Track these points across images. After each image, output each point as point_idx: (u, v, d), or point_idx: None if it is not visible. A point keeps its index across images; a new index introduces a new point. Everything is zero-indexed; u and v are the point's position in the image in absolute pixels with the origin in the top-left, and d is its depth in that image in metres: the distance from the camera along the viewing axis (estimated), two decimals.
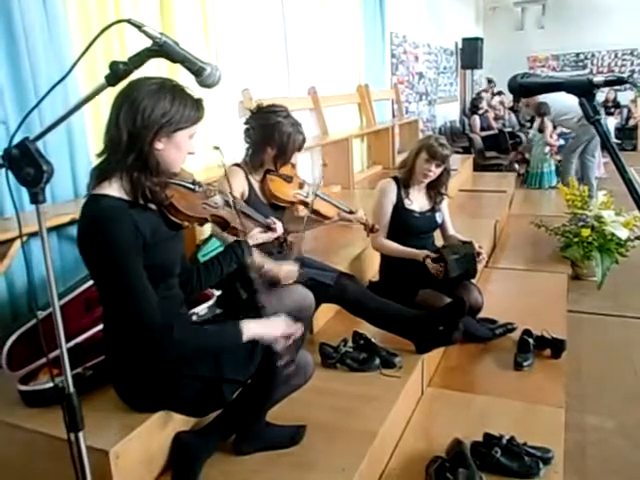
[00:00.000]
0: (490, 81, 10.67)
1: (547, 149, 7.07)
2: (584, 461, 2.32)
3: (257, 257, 2.13)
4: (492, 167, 8.30)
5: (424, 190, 2.96)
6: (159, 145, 1.52)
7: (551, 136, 7.06)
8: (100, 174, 1.54)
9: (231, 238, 1.99)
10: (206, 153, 3.62)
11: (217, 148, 1.71)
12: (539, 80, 1.19)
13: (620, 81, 1.10)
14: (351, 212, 2.71)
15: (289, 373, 1.66)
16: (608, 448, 2.41)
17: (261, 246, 2.07)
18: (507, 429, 2.11)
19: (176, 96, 1.51)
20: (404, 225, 2.89)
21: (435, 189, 2.94)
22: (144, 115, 1.46)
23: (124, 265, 1.46)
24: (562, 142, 7.22)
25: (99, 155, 1.56)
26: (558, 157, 7.19)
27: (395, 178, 2.94)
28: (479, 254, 2.80)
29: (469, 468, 1.90)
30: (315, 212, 2.59)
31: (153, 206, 1.60)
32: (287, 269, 2.24)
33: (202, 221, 1.75)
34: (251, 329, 1.61)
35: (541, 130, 7.01)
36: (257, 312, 1.74)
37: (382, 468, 2.04)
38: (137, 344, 1.55)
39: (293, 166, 2.66)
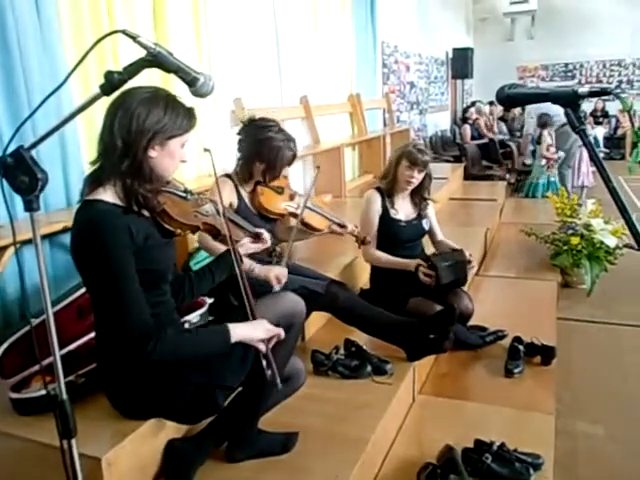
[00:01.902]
0: (491, 103, 10.74)
1: (543, 162, 7.08)
2: (574, 467, 2.34)
3: (246, 262, 2.14)
4: (483, 176, 8.35)
5: (408, 198, 2.99)
6: (152, 153, 1.53)
7: (548, 149, 7.07)
8: (94, 180, 1.55)
9: (222, 246, 2.00)
10: (198, 161, 3.63)
11: (208, 150, 1.69)
12: (526, 91, 1.22)
13: (604, 92, 1.13)
14: (342, 226, 2.67)
15: (275, 383, 1.66)
16: (598, 454, 2.43)
17: (252, 255, 2.08)
18: (498, 435, 2.12)
19: (169, 104, 1.53)
20: (391, 235, 2.91)
21: (419, 195, 2.97)
22: (139, 121, 1.48)
23: (117, 268, 1.46)
24: (561, 154, 7.20)
25: (93, 163, 1.57)
26: (554, 170, 7.20)
27: (378, 189, 2.96)
28: (470, 262, 2.82)
29: (460, 474, 1.92)
30: (305, 224, 2.58)
31: (146, 213, 1.61)
32: (277, 272, 2.23)
33: (194, 229, 1.76)
34: (237, 333, 1.61)
35: (539, 142, 7.02)
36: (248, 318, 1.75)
37: (374, 474, 2.04)
38: (124, 348, 1.53)
39: (285, 177, 2.67)
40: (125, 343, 1.50)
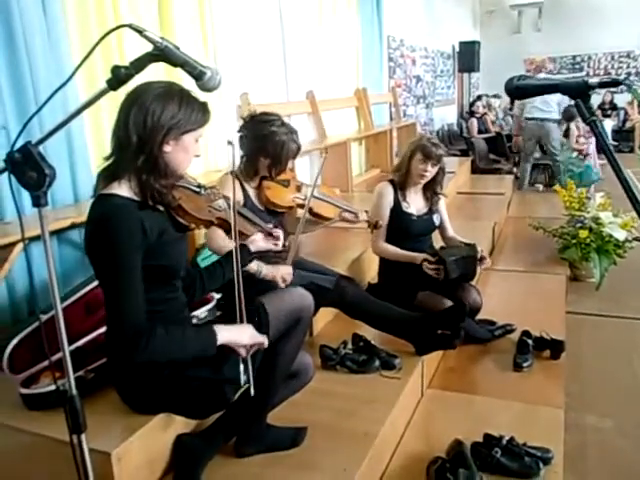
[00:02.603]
0: (495, 96, 10.68)
1: (575, 154, 6.94)
2: (584, 461, 2.33)
3: (253, 265, 2.15)
4: (490, 170, 8.30)
5: (420, 192, 2.98)
6: (167, 148, 1.53)
7: (577, 141, 6.95)
8: (108, 175, 1.55)
9: (232, 245, 2.00)
10: (206, 156, 3.63)
11: (230, 143, 1.65)
12: (535, 82, 1.21)
13: (615, 82, 1.12)
14: (353, 213, 2.67)
15: (249, 389, 1.63)
16: (608, 448, 2.41)
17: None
18: (507, 430, 2.12)
19: (183, 99, 1.53)
20: (402, 228, 2.90)
21: (431, 189, 2.96)
22: (154, 117, 1.48)
23: (122, 262, 1.46)
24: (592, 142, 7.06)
25: (107, 158, 1.57)
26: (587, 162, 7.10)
27: (391, 181, 2.96)
28: (483, 258, 2.80)
29: (469, 468, 1.91)
30: (314, 214, 2.58)
31: (161, 208, 1.61)
32: (283, 272, 2.23)
33: (208, 224, 1.76)
34: (224, 336, 1.59)
35: (566, 135, 6.88)
36: (256, 313, 1.75)
37: (383, 469, 2.04)
38: (113, 345, 1.54)
39: (291, 169, 2.66)
40: (116, 340, 1.50)
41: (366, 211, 2.76)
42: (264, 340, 1.65)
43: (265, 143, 2.38)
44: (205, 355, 1.60)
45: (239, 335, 1.62)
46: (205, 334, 1.60)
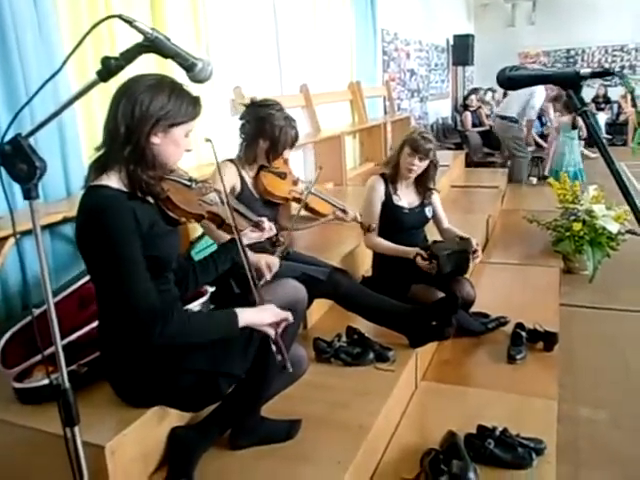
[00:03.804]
0: (490, 89, 10.69)
1: (582, 143, 6.85)
2: (577, 452, 2.34)
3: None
4: (484, 163, 8.30)
5: (412, 186, 2.97)
6: (156, 140, 1.53)
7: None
8: (98, 167, 1.55)
9: (225, 235, 2.00)
10: (198, 150, 3.62)
11: (209, 140, 1.69)
12: (527, 72, 1.21)
13: (606, 73, 1.11)
14: (345, 212, 2.67)
15: (285, 367, 1.67)
16: (600, 439, 2.42)
17: (255, 244, 2.07)
18: (500, 421, 2.13)
19: (174, 91, 1.53)
20: (394, 222, 2.90)
21: (423, 184, 2.95)
22: (142, 107, 1.47)
23: (123, 251, 1.46)
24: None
25: (98, 149, 1.56)
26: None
27: (382, 175, 2.95)
28: (475, 251, 2.80)
29: (463, 459, 1.92)
30: (310, 209, 2.59)
31: (151, 200, 1.61)
32: (268, 259, 2.18)
33: (198, 217, 1.76)
34: (245, 317, 1.61)
35: (575, 126, 6.74)
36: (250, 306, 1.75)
37: (377, 460, 2.05)
38: (130, 331, 1.52)
39: (286, 162, 2.67)
40: (132, 326, 1.50)
41: (360, 214, 2.75)
42: (289, 315, 1.68)
43: (264, 125, 2.41)
44: (224, 337, 1.62)
45: (261, 314, 1.65)
46: (226, 317, 1.62)
